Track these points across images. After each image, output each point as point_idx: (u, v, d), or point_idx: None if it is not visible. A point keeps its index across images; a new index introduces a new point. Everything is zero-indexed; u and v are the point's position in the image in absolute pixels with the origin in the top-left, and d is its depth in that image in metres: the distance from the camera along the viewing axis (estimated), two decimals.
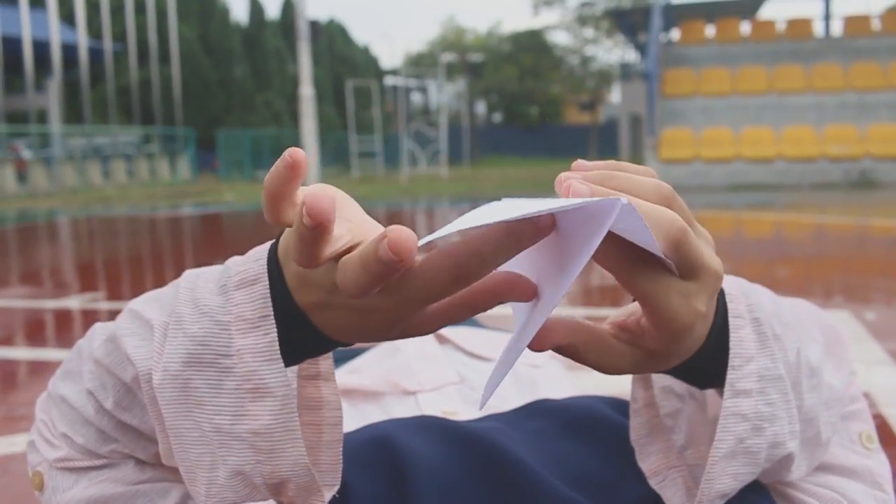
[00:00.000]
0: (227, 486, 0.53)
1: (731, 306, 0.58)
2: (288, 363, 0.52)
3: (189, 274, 0.58)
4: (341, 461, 0.58)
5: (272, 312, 0.51)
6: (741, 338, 0.57)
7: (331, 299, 0.49)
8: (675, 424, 0.64)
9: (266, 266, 0.52)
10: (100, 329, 0.64)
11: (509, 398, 0.97)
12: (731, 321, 0.57)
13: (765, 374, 0.57)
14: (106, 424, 0.62)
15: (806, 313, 0.70)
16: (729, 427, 0.56)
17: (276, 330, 0.51)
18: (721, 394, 0.58)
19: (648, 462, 0.63)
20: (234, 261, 0.55)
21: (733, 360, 0.56)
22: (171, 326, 0.54)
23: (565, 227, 0.44)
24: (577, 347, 0.52)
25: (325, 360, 0.59)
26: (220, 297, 0.53)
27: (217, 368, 0.52)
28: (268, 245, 0.54)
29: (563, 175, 0.48)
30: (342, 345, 0.53)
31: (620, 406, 0.80)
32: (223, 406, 0.52)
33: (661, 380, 0.65)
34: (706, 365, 0.57)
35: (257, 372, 0.51)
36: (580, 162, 0.50)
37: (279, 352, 0.51)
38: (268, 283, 0.52)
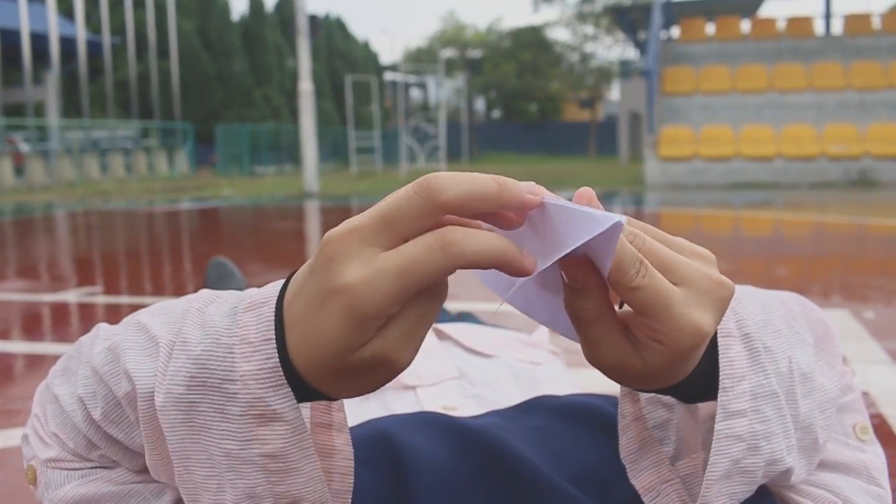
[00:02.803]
0: None
1: (720, 324, 0.56)
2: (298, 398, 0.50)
3: (203, 295, 0.57)
4: None
5: (274, 336, 0.49)
6: (731, 357, 0.56)
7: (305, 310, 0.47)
8: (664, 436, 0.63)
9: (279, 291, 0.51)
10: (104, 332, 0.63)
11: (510, 394, 0.96)
12: (720, 340, 0.56)
13: (758, 391, 0.56)
14: (93, 434, 0.61)
15: (794, 308, 0.70)
16: (723, 450, 0.55)
17: (277, 354, 0.48)
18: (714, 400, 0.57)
19: (640, 478, 0.62)
20: (253, 289, 0.54)
21: (724, 382, 0.55)
22: (177, 347, 0.53)
23: (558, 220, 0.47)
24: (592, 306, 0.49)
25: (339, 412, 0.57)
26: (228, 318, 0.51)
27: (221, 393, 0.50)
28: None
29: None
30: (322, 395, 0.50)
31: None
32: (230, 431, 0.50)
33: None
34: (697, 383, 0.55)
35: (263, 399, 0.49)
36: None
37: (284, 376, 0.48)
38: (275, 306, 0.50)
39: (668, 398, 0.63)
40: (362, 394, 0.49)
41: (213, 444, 0.51)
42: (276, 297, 0.50)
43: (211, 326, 0.52)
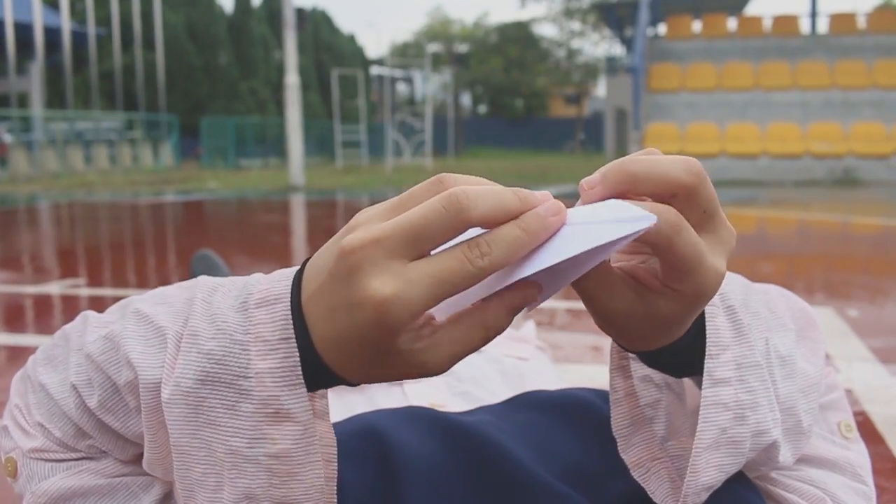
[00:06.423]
0: None
1: None
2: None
3: (204, 284, 0.56)
4: (335, 498, 0.56)
5: (293, 335, 0.49)
6: (717, 326, 0.56)
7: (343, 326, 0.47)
8: (655, 414, 0.63)
9: (290, 287, 0.50)
10: (94, 321, 0.62)
11: (496, 390, 0.96)
12: (706, 309, 0.56)
13: (742, 361, 0.57)
14: (85, 422, 0.60)
15: (777, 298, 0.70)
16: (710, 417, 0.55)
17: (297, 353, 0.49)
18: (698, 383, 0.57)
19: (631, 453, 0.62)
20: (257, 278, 0.54)
21: (710, 349, 0.56)
22: (185, 340, 0.52)
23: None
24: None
25: (322, 399, 0.57)
26: (239, 314, 0.51)
27: (234, 389, 0.50)
28: (295, 268, 0.52)
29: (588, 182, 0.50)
30: (345, 382, 0.51)
31: (609, 398, 0.79)
32: (239, 428, 0.50)
33: (640, 369, 0.64)
34: (684, 351, 0.56)
35: (279, 397, 0.49)
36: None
37: (301, 376, 0.49)
38: (289, 304, 0.50)
39: (658, 378, 0.63)
40: (389, 381, 0.50)
41: (218, 440, 0.51)
42: (288, 295, 0.50)
43: (222, 321, 0.51)
